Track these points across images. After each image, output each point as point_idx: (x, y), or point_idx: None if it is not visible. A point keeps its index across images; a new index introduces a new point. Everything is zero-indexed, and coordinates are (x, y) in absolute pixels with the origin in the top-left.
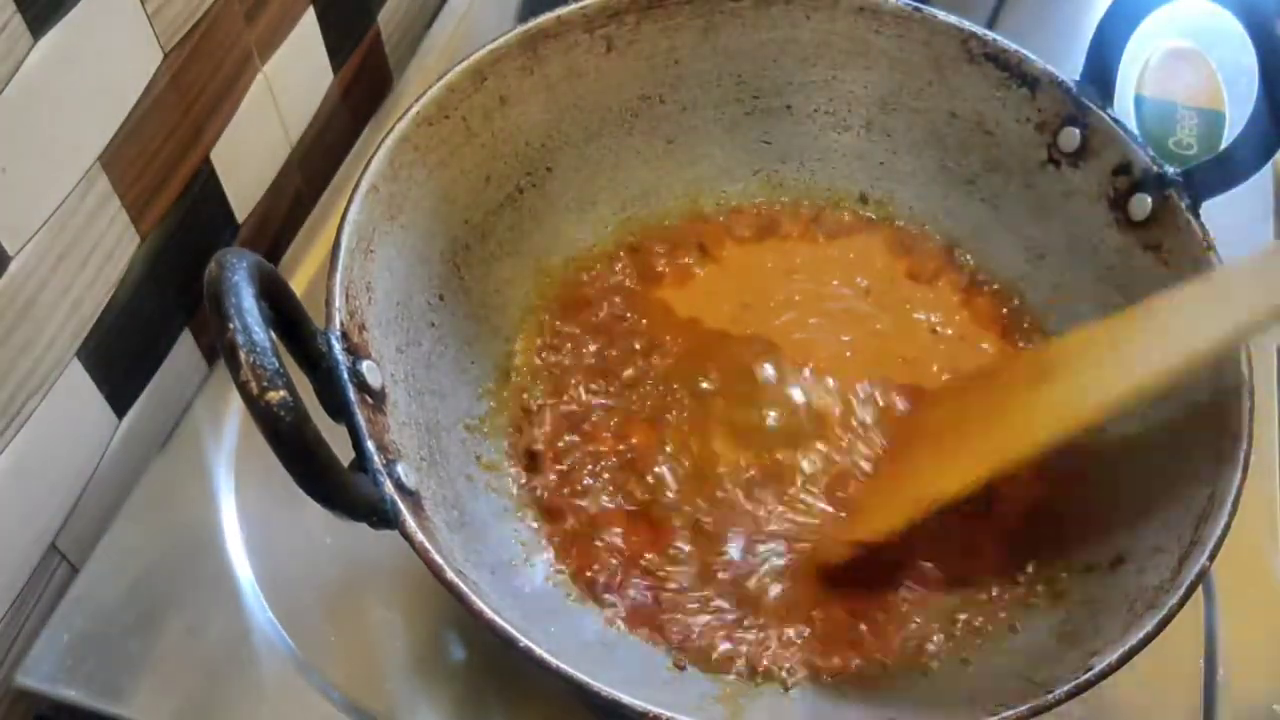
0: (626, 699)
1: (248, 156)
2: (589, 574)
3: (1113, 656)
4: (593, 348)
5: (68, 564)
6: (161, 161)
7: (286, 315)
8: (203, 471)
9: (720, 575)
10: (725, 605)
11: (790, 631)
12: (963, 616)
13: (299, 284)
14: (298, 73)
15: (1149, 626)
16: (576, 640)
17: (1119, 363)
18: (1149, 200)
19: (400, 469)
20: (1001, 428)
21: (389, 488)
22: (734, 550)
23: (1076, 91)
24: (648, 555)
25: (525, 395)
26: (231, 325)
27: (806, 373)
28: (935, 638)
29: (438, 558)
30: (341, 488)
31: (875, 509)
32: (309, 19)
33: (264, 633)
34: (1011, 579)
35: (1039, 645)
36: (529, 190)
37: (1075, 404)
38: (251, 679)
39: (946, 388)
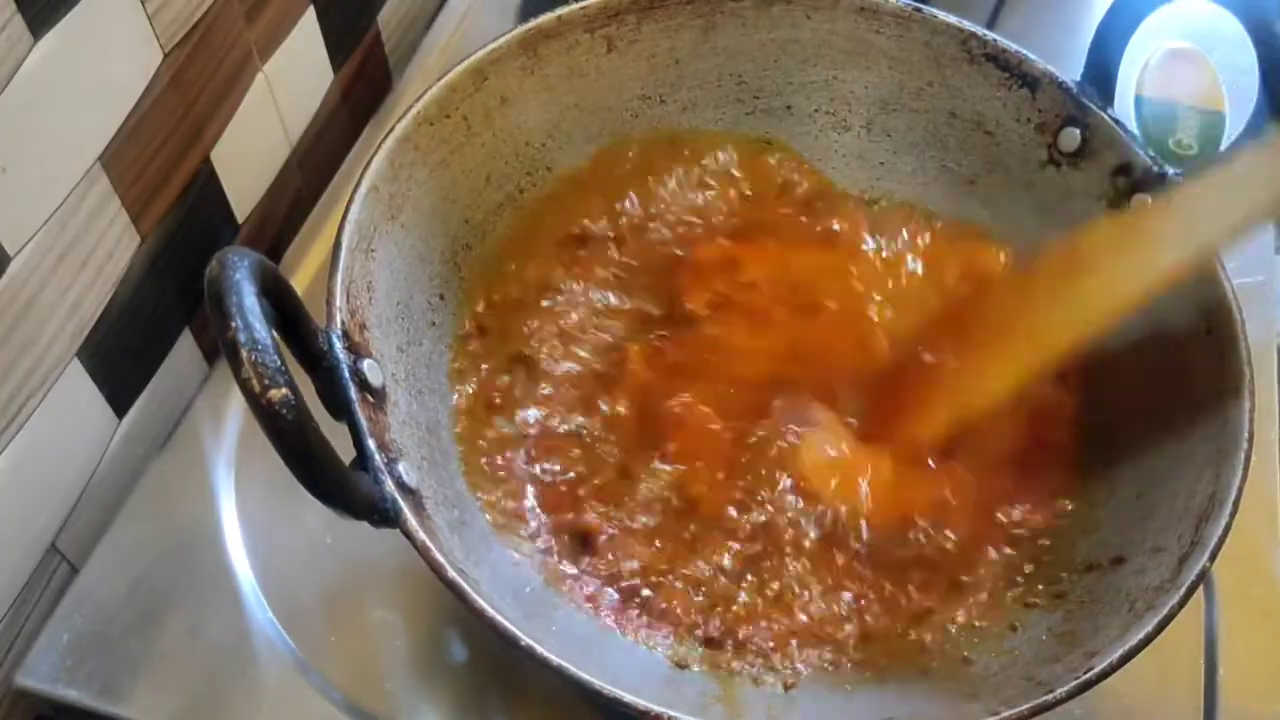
0: (629, 697)
1: (248, 156)
2: (590, 571)
3: (1113, 656)
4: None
5: (68, 564)
6: (161, 161)
7: (288, 314)
8: (203, 471)
9: (720, 575)
10: (725, 603)
11: (792, 631)
12: (963, 616)
13: (299, 284)
14: (298, 73)
15: (1149, 626)
16: (578, 639)
17: (1145, 253)
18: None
19: (401, 468)
20: (1041, 325)
21: (390, 486)
22: (736, 548)
23: (1077, 92)
24: (649, 550)
25: None
26: (233, 323)
27: None
28: (935, 637)
29: (439, 556)
30: (343, 486)
31: (928, 409)
32: (309, 19)
33: (264, 633)
34: (1011, 579)
35: (1039, 645)
36: (529, 190)
37: (1108, 295)
38: (251, 679)
39: (981, 291)
